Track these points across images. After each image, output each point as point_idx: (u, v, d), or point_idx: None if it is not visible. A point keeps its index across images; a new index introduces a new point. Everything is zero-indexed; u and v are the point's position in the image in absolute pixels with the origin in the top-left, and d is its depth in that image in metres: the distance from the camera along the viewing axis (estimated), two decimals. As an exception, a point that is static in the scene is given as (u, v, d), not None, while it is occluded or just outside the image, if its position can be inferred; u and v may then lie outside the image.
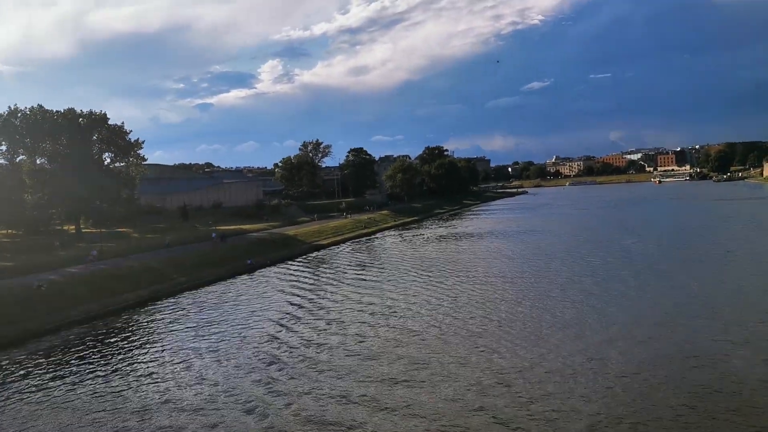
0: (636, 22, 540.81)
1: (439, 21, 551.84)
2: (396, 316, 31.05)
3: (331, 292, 39.97)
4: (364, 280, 44.55)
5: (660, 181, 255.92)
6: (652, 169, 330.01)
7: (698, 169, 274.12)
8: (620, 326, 26.25)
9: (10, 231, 64.66)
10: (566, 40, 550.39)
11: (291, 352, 25.65)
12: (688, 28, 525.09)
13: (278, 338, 28.11)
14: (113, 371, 24.55)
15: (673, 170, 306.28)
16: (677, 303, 30.00)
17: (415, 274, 45.11)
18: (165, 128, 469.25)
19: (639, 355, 22.21)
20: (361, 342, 26.58)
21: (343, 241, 76.96)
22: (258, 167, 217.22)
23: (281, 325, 30.75)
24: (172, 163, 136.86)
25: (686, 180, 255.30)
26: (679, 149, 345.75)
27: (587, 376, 20.22)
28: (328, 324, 30.45)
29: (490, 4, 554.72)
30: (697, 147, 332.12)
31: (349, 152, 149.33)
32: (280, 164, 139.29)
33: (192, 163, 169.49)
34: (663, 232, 65.75)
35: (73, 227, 70.78)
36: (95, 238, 63.73)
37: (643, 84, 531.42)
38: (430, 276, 43.80)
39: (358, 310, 33.33)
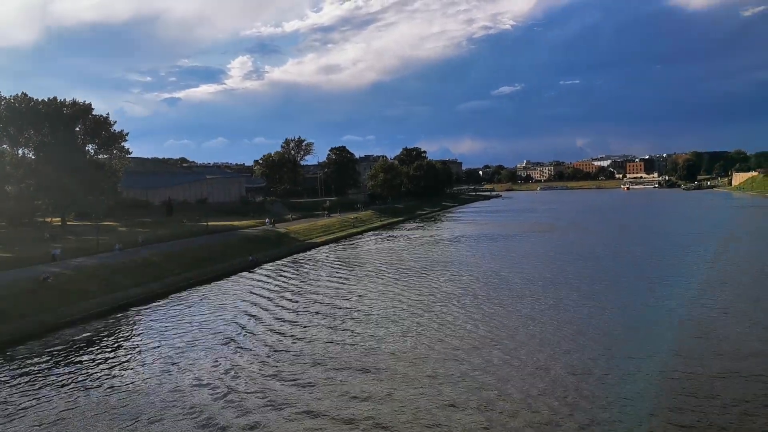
0: (606, 31, 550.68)
1: (412, 23, 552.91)
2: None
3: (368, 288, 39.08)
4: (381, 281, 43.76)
5: (629, 188, 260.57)
6: (621, 175, 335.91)
7: (666, 177, 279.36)
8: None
9: (-9, 222, 62.04)
10: (537, 46, 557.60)
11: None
12: (658, 39, 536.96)
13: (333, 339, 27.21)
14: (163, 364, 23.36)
15: (641, 177, 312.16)
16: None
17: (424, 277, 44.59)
18: (131, 121, 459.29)
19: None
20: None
21: (336, 240, 75.74)
22: (232, 163, 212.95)
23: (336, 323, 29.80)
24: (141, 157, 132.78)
25: (655, 188, 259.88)
26: (647, 157, 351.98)
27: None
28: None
29: (463, 7, 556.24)
30: (664, 155, 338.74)
31: (330, 150, 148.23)
32: (260, 161, 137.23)
33: (164, 157, 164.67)
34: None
35: (58, 219, 68.29)
36: (82, 230, 61.46)
37: (612, 92, 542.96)
38: (432, 275, 43.39)
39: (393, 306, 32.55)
